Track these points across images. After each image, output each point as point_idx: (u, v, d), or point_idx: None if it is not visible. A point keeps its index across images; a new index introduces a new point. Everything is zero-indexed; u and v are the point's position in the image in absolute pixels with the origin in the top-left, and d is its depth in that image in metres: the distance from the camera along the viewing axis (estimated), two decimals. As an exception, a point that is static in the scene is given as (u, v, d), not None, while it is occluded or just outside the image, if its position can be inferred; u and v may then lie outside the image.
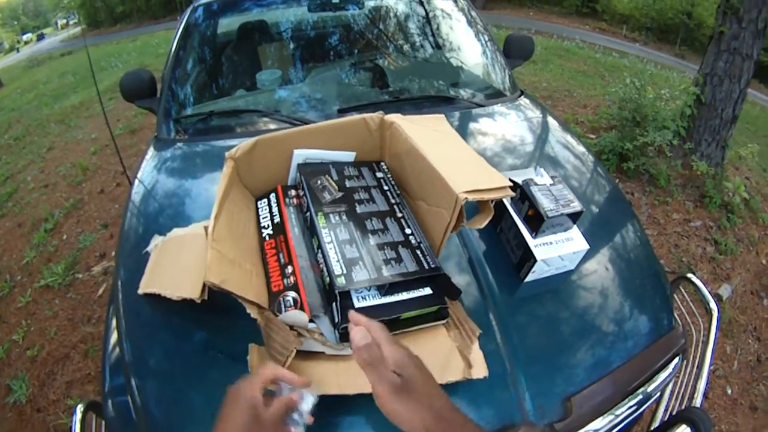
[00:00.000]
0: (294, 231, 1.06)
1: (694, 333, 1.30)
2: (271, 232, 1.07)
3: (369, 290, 0.92)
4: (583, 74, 7.06)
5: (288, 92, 1.91)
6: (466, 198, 0.89)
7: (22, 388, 2.35)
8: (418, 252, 0.97)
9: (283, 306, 0.91)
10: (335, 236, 0.97)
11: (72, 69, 10.24)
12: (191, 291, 0.96)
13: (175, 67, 1.98)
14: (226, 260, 0.92)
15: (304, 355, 0.89)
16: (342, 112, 1.66)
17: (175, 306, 1.00)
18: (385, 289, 0.92)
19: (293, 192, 1.16)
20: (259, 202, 1.17)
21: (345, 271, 0.90)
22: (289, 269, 0.97)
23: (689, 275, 1.35)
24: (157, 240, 1.21)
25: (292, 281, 0.95)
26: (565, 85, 6.04)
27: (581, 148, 1.68)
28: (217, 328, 1.03)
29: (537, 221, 1.10)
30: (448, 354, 0.92)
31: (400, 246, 0.98)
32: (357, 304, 0.89)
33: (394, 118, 1.19)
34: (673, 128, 3.51)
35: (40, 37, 30.46)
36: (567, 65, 7.62)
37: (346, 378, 0.86)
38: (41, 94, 9.10)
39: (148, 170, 1.61)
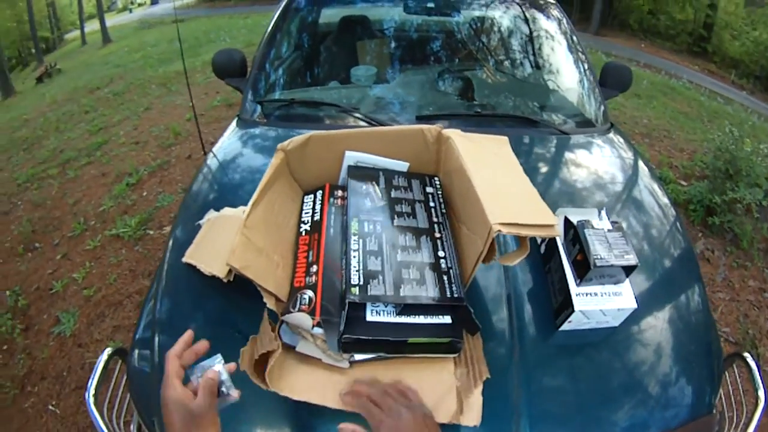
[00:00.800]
0: (329, 231, 1.05)
1: (735, 417, 1.16)
2: (308, 228, 1.07)
3: (386, 306, 0.89)
4: (685, 116, 6.66)
5: (374, 91, 1.90)
6: (499, 230, 0.83)
7: (70, 321, 2.51)
8: (445, 278, 0.93)
9: (298, 303, 0.90)
10: (363, 245, 0.95)
11: (182, 37, 10.74)
12: (220, 270, 1.02)
13: (268, 49, 2.03)
14: (253, 247, 0.93)
15: (301, 358, 0.89)
16: (420, 119, 1.64)
17: (208, 280, 1.06)
18: (401, 308, 0.89)
19: (340, 192, 1.16)
20: (306, 197, 1.17)
21: (361, 282, 0.87)
22: (314, 268, 0.96)
23: (745, 354, 1.20)
24: (210, 215, 1.27)
25: (314, 280, 0.94)
26: (665, 124, 5.71)
27: (663, 198, 1.55)
28: (240, 308, 1.04)
29: (584, 268, 1.02)
30: (445, 392, 0.87)
31: (427, 268, 0.94)
32: (369, 317, 0.87)
33: (452, 133, 1.14)
34: (765, 187, 3.23)
35: (154, 2, 32.23)
36: (671, 104, 7.22)
37: (333, 392, 0.85)
38: (148, 56, 9.68)
39: (223, 146, 1.68)
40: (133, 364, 1.10)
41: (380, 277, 0.89)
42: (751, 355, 1.19)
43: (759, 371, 1.16)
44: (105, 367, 1.06)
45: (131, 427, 1.10)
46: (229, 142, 1.70)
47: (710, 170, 3.64)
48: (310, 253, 1.01)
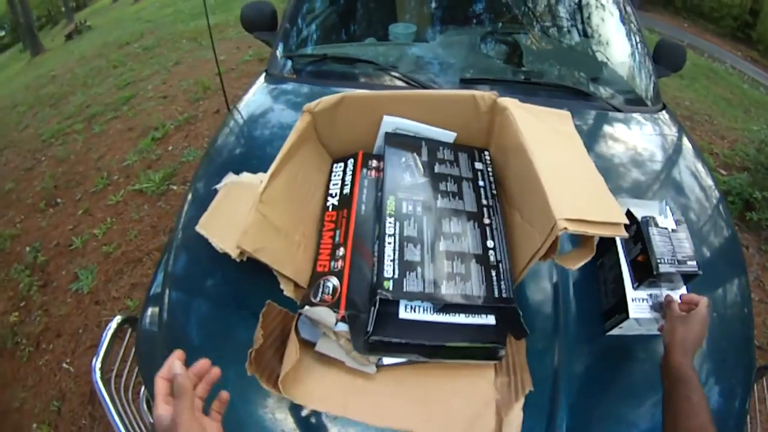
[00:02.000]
0: (361, 209, 0.93)
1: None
2: (336, 203, 0.96)
3: (422, 301, 0.78)
4: (727, 102, 6.38)
5: (415, 50, 1.78)
6: (565, 228, 0.71)
7: (88, 278, 2.48)
8: (493, 273, 0.81)
9: (320, 291, 0.80)
10: (400, 229, 0.82)
11: (214, -10, 10.62)
12: (233, 247, 0.88)
13: (299, 2, 1.93)
14: (270, 227, 0.83)
15: (320, 358, 0.79)
16: (465, 82, 1.51)
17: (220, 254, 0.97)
18: (440, 306, 0.77)
19: (374, 162, 1.02)
20: (335, 166, 1.05)
21: (396, 276, 0.76)
22: (341, 251, 0.86)
23: None
24: (228, 179, 1.17)
25: (339, 266, 0.83)
26: (707, 109, 5.45)
27: (714, 191, 1.44)
28: (256, 287, 0.94)
29: (645, 272, 0.90)
30: (482, 407, 0.76)
31: (473, 260, 0.82)
32: (402, 314, 0.76)
33: (509, 103, 0.99)
34: (809, 188, 3.10)
35: (189, -45, 31.76)
36: (713, 88, 6.91)
37: (355, 400, 0.75)
38: (179, 10, 9.53)
39: (248, 102, 1.60)
40: (143, 327, 1.06)
41: (418, 270, 0.78)
42: None
43: None
44: (114, 335, 1.02)
45: (140, 403, 1.05)
46: (255, 98, 1.61)
47: (752, 163, 3.56)
48: (337, 232, 0.90)
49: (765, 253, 3.08)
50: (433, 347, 0.76)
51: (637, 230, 0.95)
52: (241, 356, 0.72)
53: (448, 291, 0.77)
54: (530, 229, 0.82)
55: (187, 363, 0.62)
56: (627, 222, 0.76)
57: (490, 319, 0.79)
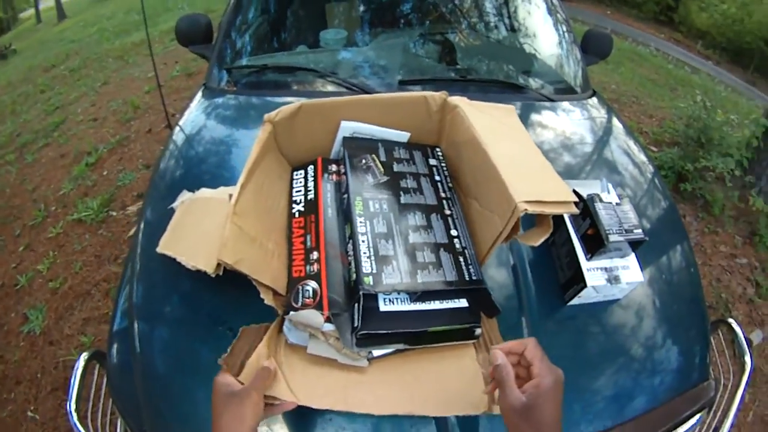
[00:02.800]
0: (327, 212, 0.94)
1: (721, 381, 1.17)
2: (302, 209, 0.96)
3: (399, 293, 0.81)
4: (653, 83, 6.73)
5: (351, 55, 1.80)
6: (525, 209, 0.77)
7: (38, 318, 2.37)
8: (461, 259, 0.86)
9: (300, 296, 0.81)
10: (371, 227, 0.86)
11: (138, 7, 10.24)
12: (206, 263, 0.89)
13: (234, 13, 1.91)
14: (246, 237, 0.83)
15: (312, 359, 0.80)
16: (403, 83, 1.54)
17: (189, 271, 0.95)
18: (417, 295, 0.81)
19: (334, 167, 1.05)
20: (295, 173, 1.06)
21: (374, 270, 0.79)
22: (315, 255, 0.87)
23: (730, 320, 1.22)
24: (184, 196, 1.15)
25: (316, 269, 0.85)
26: (634, 90, 5.75)
27: (649, 165, 1.54)
28: (229, 302, 0.96)
29: (595, 243, 0.99)
30: (470, 381, 0.81)
31: (442, 249, 0.86)
32: (383, 307, 0.79)
33: (459, 101, 1.04)
34: (737, 157, 3.29)
35: (108, -27, 30.79)
36: (638, 71, 7.29)
37: (355, 393, 0.77)
38: (103, 29, 9.23)
39: (191, 119, 1.56)
40: (113, 361, 1.02)
41: (394, 263, 0.81)
42: (735, 321, 1.21)
43: (744, 337, 1.18)
44: (84, 374, 0.99)
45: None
46: (196, 114, 1.58)
47: (682, 138, 3.70)
48: (308, 237, 0.91)
49: (702, 220, 3.28)
50: (415, 334, 0.80)
51: (585, 207, 1.03)
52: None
53: (423, 279, 0.81)
54: (490, 215, 0.88)
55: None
56: (576, 200, 0.83)
57: (463, 302, 0.84)
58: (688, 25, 17.28)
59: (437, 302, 0.82)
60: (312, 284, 0.82)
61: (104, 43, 7.74)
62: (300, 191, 1.01)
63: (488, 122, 1.00)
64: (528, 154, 0.96)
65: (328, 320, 0.78)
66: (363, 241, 0.84)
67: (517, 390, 0.63)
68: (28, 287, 2.62)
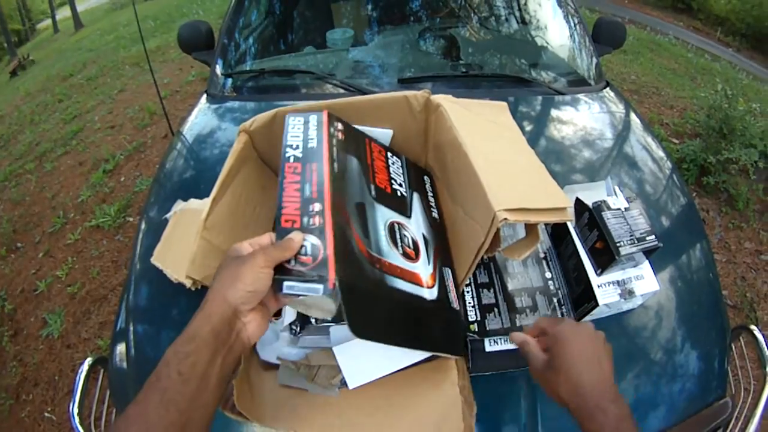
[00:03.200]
0: (334, 166, 0.77)
1: (742, 388, 1.07)
2: (299, 155, 0.77)
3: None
4: (673, 72, 6.54)
5: (354, 54, 1.77)
6: (505, 219, 0.69)
7: (57, 323, 2.42)
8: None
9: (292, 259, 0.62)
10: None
11: (153, 14, 10.47)
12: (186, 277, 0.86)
13: (234, 18, 1.91)
14: (216, 252, 0.80)
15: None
16: (404, 82, 1.52)
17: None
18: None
19: (340, 125, 0.89)
20: (291, 118, 0.86)
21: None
22: (316, 207, 0.67)
23: (752, 327, 1.11)
24: (177, 207, 1.14)
25: (317, 222, 0.65)
26: (653, 81, 5.59)
27: (662, 156, 1.47)
28: None
29: (606, 258, 0.91)
30: (448, 408, 0.74)
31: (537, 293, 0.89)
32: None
33: (442, 99, 0.96)
34: (761, 148, 3.19)
35: (124, -20, 31.23)
36: (658, 60, 7.09)
37: (323, 417, 0.74)
38: (120, 36, 9.36)
39: (191, 126, 1.57)
40: (114, 366, 1.04)
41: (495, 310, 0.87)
42: (758, 329, 1.11)
43: (767, 345, 1.09)
44: (87, 379, 1.00)
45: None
46: (197, 121, 1.58)
47: (703, 129, 3.59)
48: (306, 186, 0.70)
49: (725, 215, 3.16)
50: None
51: (590, 217, 0.95)
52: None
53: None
54: (473, 224, 0.81)
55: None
56: (571, 205, 0.77)
57: None
58: (706, 12, 16.83)
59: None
60: (311, 239, 0.63)
61: (121, 50, 7.84)
62: (297, 137, 0.83)
63: (474, 121, 0.94)
64: (518, 156, 0.89)
65: (333, 289, 0.59)
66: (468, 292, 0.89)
67: (540, 351, 0.66)
68: (47, 292, 2.68)
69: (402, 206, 0.87)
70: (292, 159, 0.76)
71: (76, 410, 0.96)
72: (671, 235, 1.24)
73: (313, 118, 0.85)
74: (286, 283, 0.60)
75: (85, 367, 1.01)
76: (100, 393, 1.05)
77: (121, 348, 1.05)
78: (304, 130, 0.83)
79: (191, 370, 0.52)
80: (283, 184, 0.72)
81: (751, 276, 2.75)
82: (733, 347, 1.12)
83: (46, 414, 2.03)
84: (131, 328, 1.03)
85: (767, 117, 3.49)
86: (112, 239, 2.94)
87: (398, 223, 0.82)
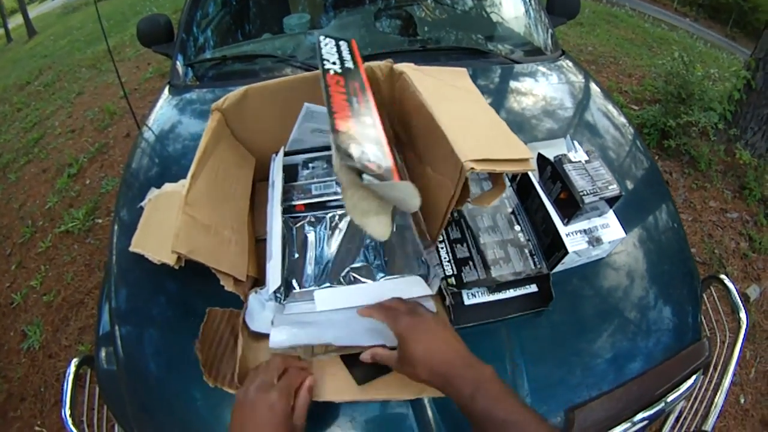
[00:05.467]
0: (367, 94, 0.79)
1: (718, 338, 1.14)
2: (339, 70, 0.81)
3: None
4: (630, 42, 6.66)
5: (313, 37, 1.77)
6: (472, 168, 0.71)
7: (36, 334, 2.38)
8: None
9: (360, 155, 0.61)
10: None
11: (107, 14, 10.14)
12: (169, 256, 0.87)
13: (192, 8, 1.89)
14: (199, 227, 0.82)
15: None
16: (364, 59, 1.52)
17: (165, 269, 0.94)
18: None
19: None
20: (322, 38, 0.93)
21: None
22: (368, 120, 0.70)
23: (722, 276, 1.17)
24: (151, 194, 1.14)
25: (373, 134, 0.67)
26: (611, 51, 5.71)
27: (622, 120, 1.52)
28: (206, 296, 0.93)
29: (571, 207, 0.95)
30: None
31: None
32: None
33: (405, 67, 0.99)
34: (720, 111, 3.26)
35: (75, -17, 30.17)
36: (614, 31, 7.20)
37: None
38: (74, 39, 9.13)
39: (156, 117, 1.56)
40: (101, 365, 1.02)
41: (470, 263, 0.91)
42: (727, 277, 1.17)
43: (739, 292, 1.15)
44: (75, 380, 1.00)
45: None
46: (162, 112, 1.57)
47: (662, 95, 3.68)
48: (354, 100, 0.73)
49: (689, 176, 3.25)
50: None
51: (553, 170, 0.99)
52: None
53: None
54: (442, 179, 0.84)
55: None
56: (533, 156, 0.79)
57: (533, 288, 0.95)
58: (665, -17, 17.11)
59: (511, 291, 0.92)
60: (370, 147, 0.63)
61: (76, 53, 7.67)
62: (333, 54, 0.87)
63: (436, 85, 0.96)
64: (480, 115, 0.91)
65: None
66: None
67: (391, 354, 0.73)
68: (23, 304, 2.62)
69: None
70: (332, 72, 0.80)
71: (68, 412, 0.96)
72: (635, 192, 1.28)
73: (343, 43, 0.92)
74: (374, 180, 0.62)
75: (72, 368, 1.01)
76: (89, 392, 1.05)
77: (107, 349, 1.03)
78: (337, 51, 0.88)
79: None
80: (329, 91, 0.74)
81: (718, 233, 2.85)
82: (705, 298, 1.17)
83: (36, 428, 1.99)
84: (116, 327, 1.01)
85: (726, 81, 3.56)
86: (83, 243, 2.90)
87: None
